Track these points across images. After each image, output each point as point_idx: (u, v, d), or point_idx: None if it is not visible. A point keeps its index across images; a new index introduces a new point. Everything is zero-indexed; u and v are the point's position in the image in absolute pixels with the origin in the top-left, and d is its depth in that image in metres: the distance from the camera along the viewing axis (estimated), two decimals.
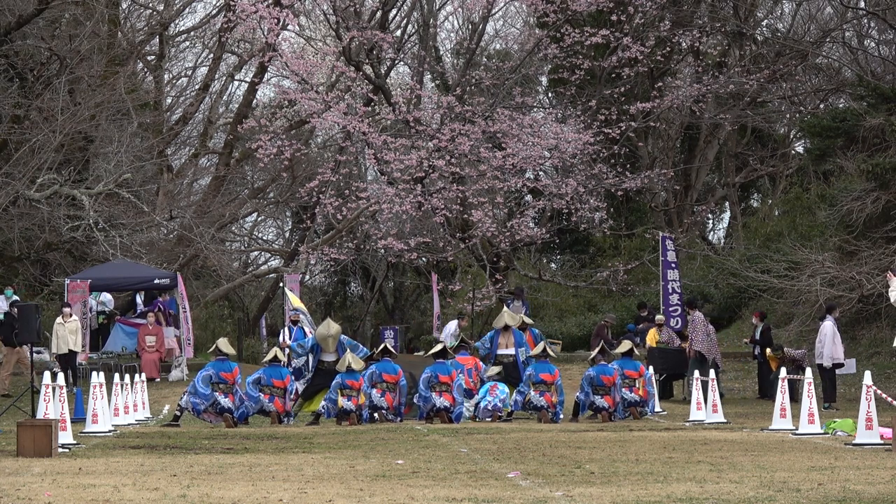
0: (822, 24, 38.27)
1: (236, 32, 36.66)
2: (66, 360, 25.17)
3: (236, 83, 41.67)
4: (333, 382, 19.91)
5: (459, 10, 38.34)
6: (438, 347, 21.01)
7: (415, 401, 20.49)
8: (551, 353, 21.27)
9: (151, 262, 30.71)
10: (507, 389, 21.17)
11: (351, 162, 36.38)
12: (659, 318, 26.62)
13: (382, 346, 21.13)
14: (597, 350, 21.16)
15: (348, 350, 20.83)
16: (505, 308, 25.14)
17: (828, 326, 23.41)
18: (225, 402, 19.69)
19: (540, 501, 9.71)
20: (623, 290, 33.98)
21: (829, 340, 23.28)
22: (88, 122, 30.84)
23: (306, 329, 24.77)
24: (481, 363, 22.12)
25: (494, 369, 21.66)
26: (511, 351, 22.09)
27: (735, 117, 36.04)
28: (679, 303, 27.06)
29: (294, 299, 26.35)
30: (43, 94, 30.93)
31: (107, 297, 30.74)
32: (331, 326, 21.78)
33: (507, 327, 22.42)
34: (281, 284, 33.17)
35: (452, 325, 28.64)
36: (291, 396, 20.54)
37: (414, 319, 46.04)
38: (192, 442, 16.36)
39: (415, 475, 11.72)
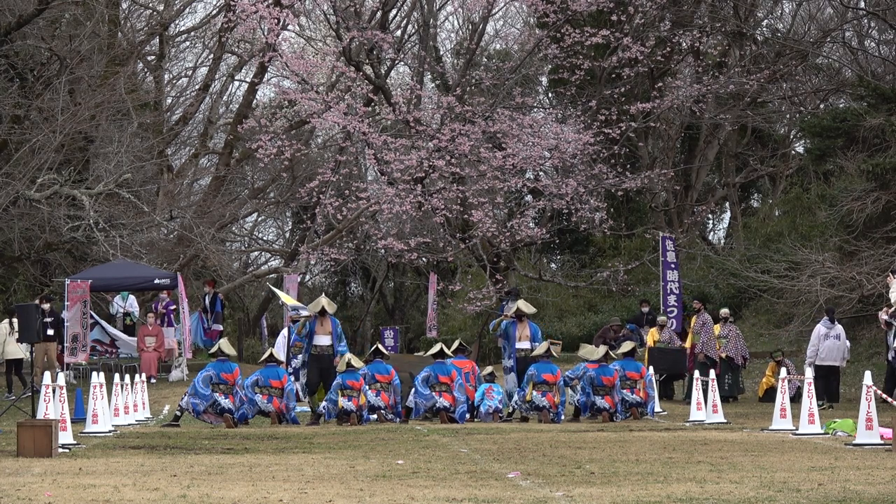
0: (822, 24, 38.29)
1: (236, 32, 36.66)
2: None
3: (236, 83, 41.74)
4: (334, 383, 19.89)
5: (459, 10, 38.36)
6: (437, 348, 20.98)
7: (409, 403, 20.41)
8: (553, 353, 21.24)
9: (151, 263, 30.71)
10: (503, 390, 21.16)
11: (351, 162, 36.36)
12: (661, 318, 26.57)
13: (374, 347, 21.08)
14: (602, 353, 21.14)
15: (348, 350, 20.81)
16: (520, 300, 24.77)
17: (818, 329, 23.80)
18: (225, 402, 19.68)
19: (540, 501, 9.70)
20: (623, 291, 33.96)
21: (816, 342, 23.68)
22: (88, 122, 30.82)
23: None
24: (477, 367, 22.07)
25: (488, 369, 21.62)
26: (526, 345, 21.69)
27: (735, 117, 36.03)
28: (677, 304, 26.98)
29: (286, 298, 26.24)
30: (43, 94, 30.91)
31: (133, 302, 30.74)
32: (322, 296, 21.62)
33: (522, 319, 22.04)
34: (269, 285, 33.12)
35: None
36: (293, 406, 20.39)
37: (414, 320, 46.06)
38: (192, 442, 16.35)
39: (415, 475, 11.71)
